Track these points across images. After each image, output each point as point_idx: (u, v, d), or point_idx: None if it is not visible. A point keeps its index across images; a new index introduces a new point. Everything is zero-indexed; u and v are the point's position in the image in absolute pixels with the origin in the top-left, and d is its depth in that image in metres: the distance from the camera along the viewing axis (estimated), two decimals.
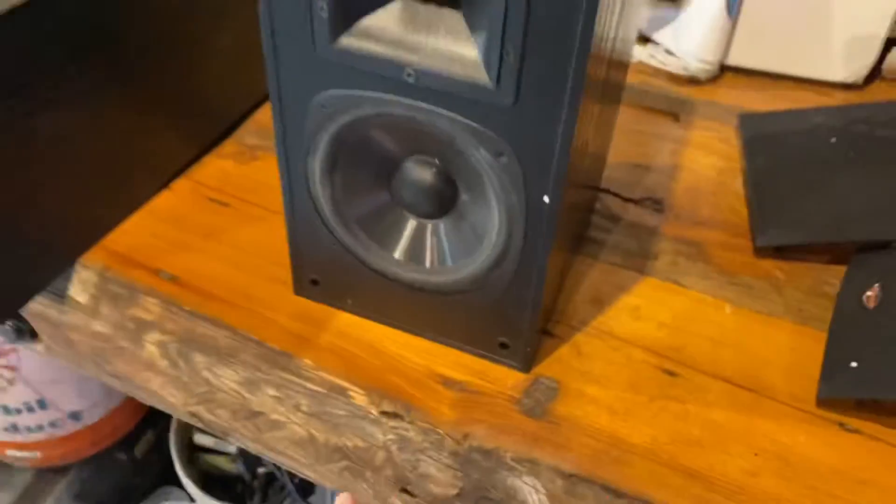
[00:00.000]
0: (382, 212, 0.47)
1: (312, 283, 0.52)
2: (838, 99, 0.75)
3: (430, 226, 0.46)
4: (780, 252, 0.59)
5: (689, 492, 0.44)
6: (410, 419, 0.48)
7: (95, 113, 0.51)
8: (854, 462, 0.46)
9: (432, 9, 0.38)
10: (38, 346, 0.60)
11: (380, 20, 0.38)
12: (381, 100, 0.40)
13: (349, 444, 0.49)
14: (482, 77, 0.37)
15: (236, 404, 0.52)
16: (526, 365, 0.50)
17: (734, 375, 0.51)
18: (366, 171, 0.46)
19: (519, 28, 0.35)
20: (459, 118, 0.39)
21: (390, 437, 0.48)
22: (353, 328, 0.52)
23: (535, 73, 0.36)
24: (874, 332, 0.48)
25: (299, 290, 0.53)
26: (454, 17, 0.38)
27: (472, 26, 0.37)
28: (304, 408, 0.50)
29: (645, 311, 0.54)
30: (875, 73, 0.76)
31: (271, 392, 0.51)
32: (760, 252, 0.59)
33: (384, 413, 0.48)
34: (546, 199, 0.40)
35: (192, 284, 0.54)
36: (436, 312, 0.49)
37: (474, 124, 0.39)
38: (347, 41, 0.39)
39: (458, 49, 0.37)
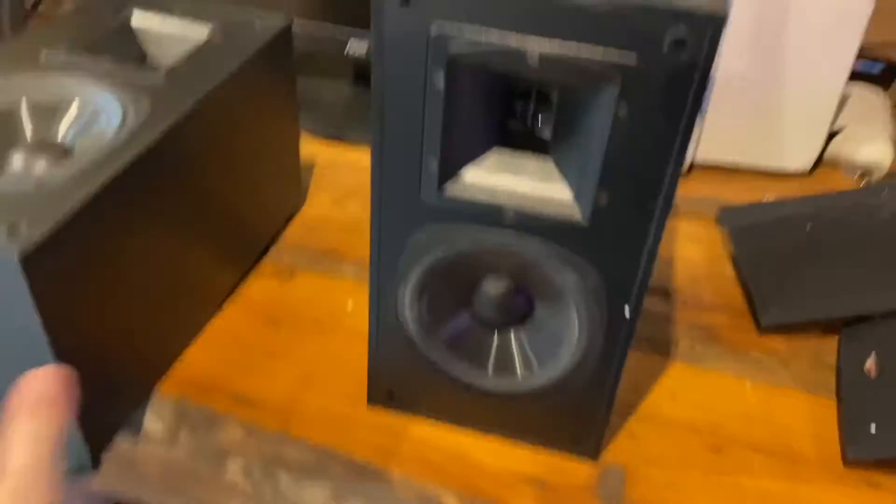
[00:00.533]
0: (463, 327, 0.52)
1: (389, 394, 0.56)
2: (793, 185, 0.86)
3: (507, 337, 0.52)
4: (780, 329, 0.67)
5: None
6: None
7: (161, 242, 0.54)
8: None
9: (525, 156, 0.45)
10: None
11: (479, 169, 0.44)
12: (477, 235, 0.46)
13: None
14: (576, 214, 0.43)
15: None
16: (596, 454, 0.55)
17: (769, 445, 0.58)
18: (449, 292, 0.51)
19: (611, 175, 0.41)
20: (550, 247, 0.45)
21: None
22: (431, 434, 0.56)
23: (624, 208, 0.42)
24: (886, 399, 0.56)
25: (374, 401, 0.57)
26: (545, 164, 0.44)
27: (563, 171, 0.44)
28: None
29: (680, 394, 0.61)
30: (818, 161, 0.88)
31: None
32: (763, 330, 0.67)
33: None
34: (626, 309, 0.46)
35: (268, 405, 0.57)
36: (511, 413, 0.54)
37: (564, 251, 0.45)
38: (451, 189, 0.45)
39: (551, 191, 0.44)
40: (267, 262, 0.70)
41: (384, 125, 0.43)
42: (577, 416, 0.53)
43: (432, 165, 0.44)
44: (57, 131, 0.52)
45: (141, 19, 0.63)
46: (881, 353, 0.60)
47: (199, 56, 0.58)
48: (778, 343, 0.66)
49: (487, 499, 0.53)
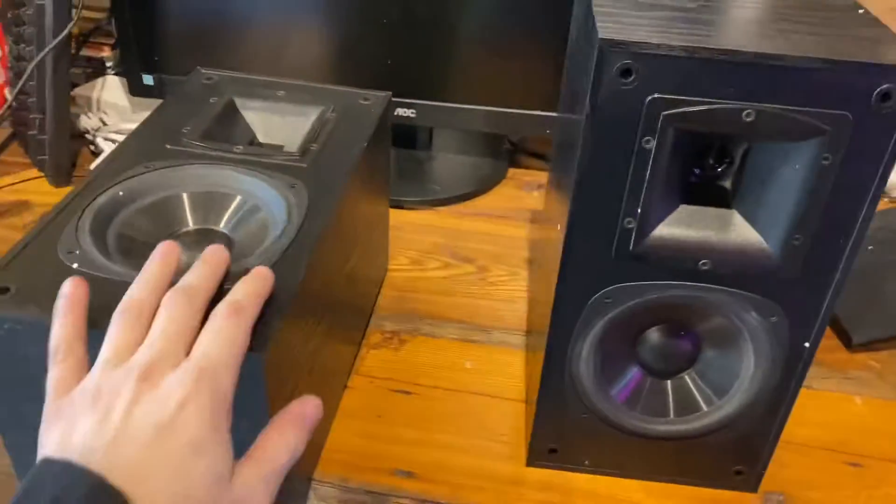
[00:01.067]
0: (635, 379, 0.54)
1: (550, 451, 0.57)
2: None
3: (682, 380, 0.54)
4: (866, 346, 0.72)
5: None
6: None
7: (319, 324, 0.54)
8: None
9: (709, 211, 0.47)
10: None
11: (670, 225, 0.47)
12: (666, 287, 0.48)
13: None
14: (769, 259, 0.46)
15: None
16: (756, 486, 0.57)
17: None
18: (619, 345, 0.52)
19: (807, 219, 0.44)
20: (740, 293, 0.48)
21: None
22: (597, 486, 0.57)
23: (816, 250, 0.45)
24: None
25: (534, 460, 0.58)
26: (730, 215, 0.47)
27: (751, 219, 0.46)
28: None
29: (804, 417, 0.64)
30: None
31: None
32: (855, 349, 0.71)
33: None
34: (807, 344, 0.49)
35: (428, 477, 0.57)
36: (675, 457, 0.56)
37: (753, 295, 0.48)
38: (645, 246, 0.47)
39: (743, 240, 0.46)
40: (372, 333, 0.70)
41: (585, 188, 0.45)
42: (745, 451, 0.55)
43: (630, 224, 0.46)
44: (219, 221, 0.52)
45: (244, 103, 0.63)
46: None
47: (324, 136, 0.59)
48: (869, 359, 0.71)
49: None
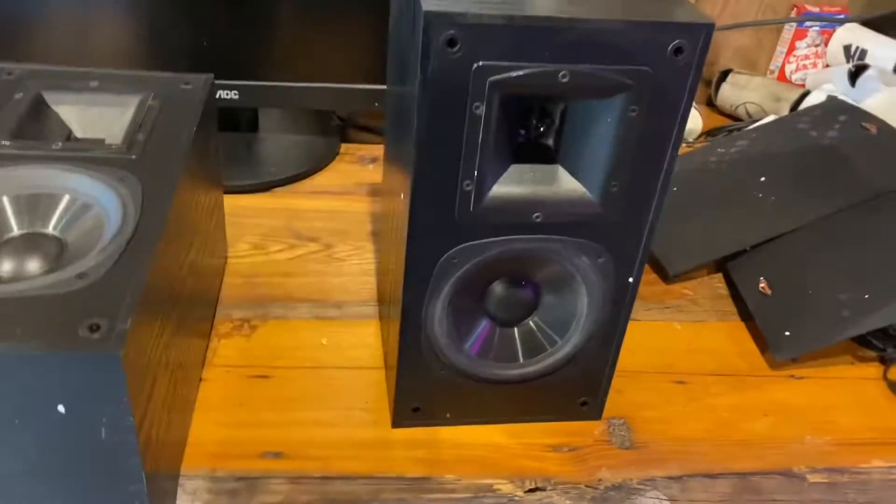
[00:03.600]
0: (482, 328, 0.57)
1: (414, 410, 0.60)
2: None
3: (527, 326, 0.58)
4: (677, 277, 0.80)
5: (747, 456, 0.62)
6: (552, 486, 0.58)
7: (171, 321, 0.53)
8: (814, 398, 0.67)
9: (537, 168, 0.51)
10: None
11: (504, 185, 0.50)
12: (506, 241, 0.51)
13: None
14: (593, 206, 0.51)
15: None
16: (600, 414, 0.63)
17: (714, 369, 0.70)
18: (467, 302, 0.56)
19: (620, 166, 0.49)
20: (571, 239, 0.52)
21: None
22: (462, 436, 0.60)
23: (631, 194, 0.50)
24: (786, 310, 0.71)
25: (399, 421, 0.60)
26: (555, 170, 0.51)
27: (574, 172, 0.51)
28: None
29: (632, 347, 0.71)
30: None
31: None
32: (671, 280, 0.80)
33: (528, 491, 0.58)
34: (631, 279, 0.55)
35: (298, 454, 0.58)
36: (527, 397, 0.60)
37: (581, 240, 0.52)
38: (483, 206, 0.50)
39: (569, 191, 0.51)
40: (220, 322, 0.69)
41: (423, 156, 0.47)
42: (585, 383, 0.60)
43: (469, 186, 0.48)
44: (47, 224, 0.49)
45: (54, 97, 0.59)
46: (767, 275, 0.75)
47: (148, 125, 0.57)
48: (683, 288, 0.79)
49: (531, 474, 0.58)
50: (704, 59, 0.46)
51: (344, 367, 0.66)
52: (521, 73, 0.44)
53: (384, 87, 0.85)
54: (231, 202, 0.82)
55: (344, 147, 0.97)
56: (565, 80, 0.45)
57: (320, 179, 0.91)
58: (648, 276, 0.80)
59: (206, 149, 0.63)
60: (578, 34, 0.44)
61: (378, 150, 0.97)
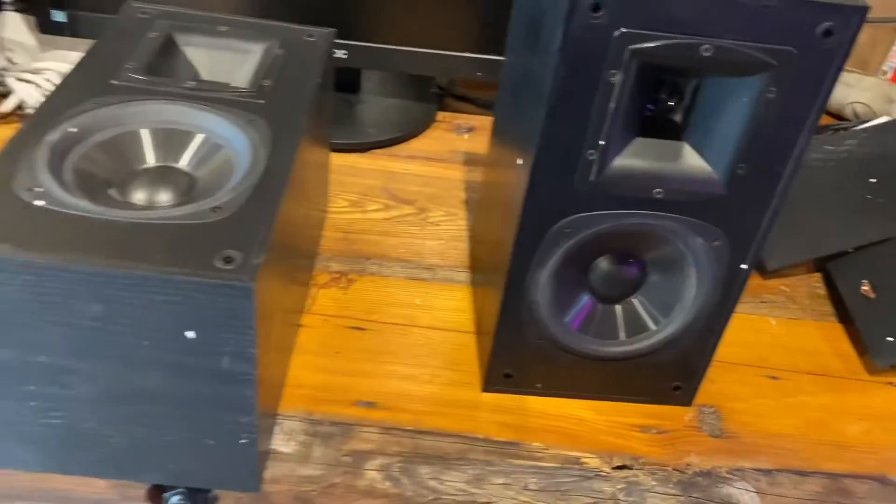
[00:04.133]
0: (584, 303, 0.57)
1: (506, 377, 0.60)
2: None
3: (630, 304, 0.57)
4: (776, 272, 0.78)
5: (840, 458, 0.60)
6: (640, 465, 0.58)
7: (288, 262, 0.54)
8: None
9: (662, 143, 0.50)
10: None
11: (627, 157, 0.50)
12: (621, 215, 0.51)
13: None
14: (716, 186, 0.50)
15: (462, 502, 0.58)
16: (690, 401, 0.62)
17: (809, 367, 0.68)
18: (572, 274, 0.55)
19: (750, 148, 0.48)
20: (688, 219, 0.51)
21: (619, 486, 0.58)
22: (550, 407, 0.61)
23: (758, 177, 0.49)
24: (889, 315, 0.68)
25: (490, 386, 0.61)
26: (681, 147, 0.50)
27: (700, 150, 0.50)
28: (532, 486, 0.58)
29: (730, 338, 0.69)
30: None
31: (500, 481, 0.58)
32: (768, 275, 0.78)
33: (616, 468, 0.58)
34: (744, 266, 0.54)
35: (390, 406, 0.59)
36: (619, 375, 0.60)
37: (699, 221, 0.51)
38: (606, 176, 0.49)
39: (693, 169, 0.50)
40: (320, 272, 0.71)
41: (551, 122, 0.47)
42: (683, 367, 0.60)
43: (592, 156, 0.48)
44: (179, 159, 0.51)
45: (184, 38, 0.61)
46: (871, 279, 0.73)
47: (275, 73, 0.58)
48: (780, 284, 0.78)
49: (619, 451, 0.58)
50: (853, 44, 0.44)
51: (436, 327, 0.67)
52: (663, 42, 0.44)
53: (489, 56, 0.86)
54: (333, 160, 0.84)
55: (440, 115, 0.97)
56: (707, 53, 0.44)
57: (416, 144, 0.91)
58: None
59: (324, 102, 0.64)
60: (725, 8, 0.43)
61: (474, 119, 0.97)
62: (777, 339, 0.71)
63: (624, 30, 0.43)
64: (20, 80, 0.81)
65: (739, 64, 0.45)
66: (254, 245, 0.42)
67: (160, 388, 0.44)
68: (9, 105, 0.81)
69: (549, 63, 0.46)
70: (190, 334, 0.42)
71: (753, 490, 0.58)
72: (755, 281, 0.78)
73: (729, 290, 0.55)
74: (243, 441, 0.47)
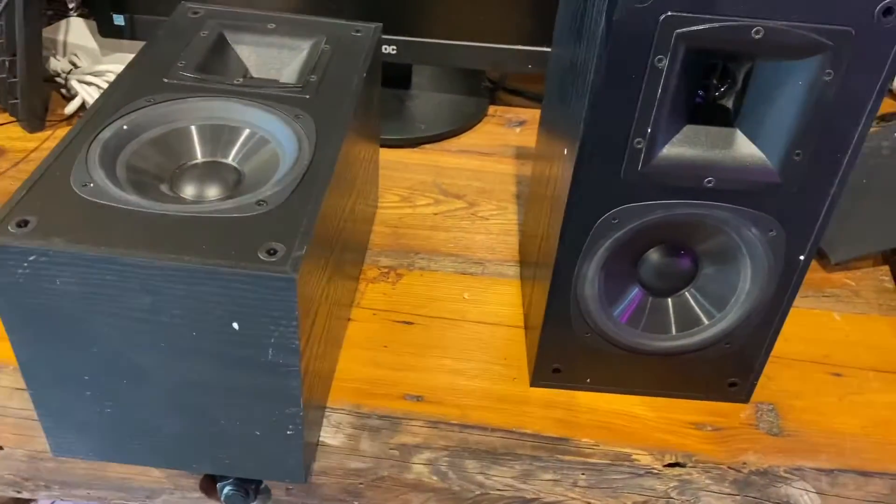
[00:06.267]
0: (633, 296, 0.56)
1: (554, 371, 0.59)
2: None
3: (682, 297, 0.56)
4: (840, 265, 0.75)
5: None
6: (693, 463, 0.56)
7: (335, 253, 0.54)
8: None
9: (713, 130, 0.49)
10: None
11: (676, 146, 0.48)
12: (671, 205, 0.50)
13: (628, 503, 0.57)
14: (771, 175, 0.48)
15: (508, 498, 0.57)
16: (748, 398, 0.60)
17: (875, 364, 0.65)
18: (621, 267, 0.54)
19: (807, 135, 0.46)
20: (742, 208, 0.50)
21: (672, 484, 0.56)
22: (600, 403, 0.60)
23: (815, 165, 0.47)
24: None
25: (538, 380, 0.60)
26: (734, 134, 0.49)
27: (753, 137, 0.48)
28: (581, 483, 0.57)
29: (790, 333, 0.67)
30: None
31: (548, 476, 0.57)
32: (832, 268, 0.75)
33: (668, 465, 0.56)
34: (802, 257, 0.52)
35: (439, 400, 0.59)
36: (672, 370, 0.59)
37: (753, 210, 0.50)
38: (654, 165, 0.48)
39: (746, 157, 0.48)
40: (369, 267, 0.71)
41: (596, 109, 0.46)
42: (739, 363, 0.58)
43: (640, 144, 0.47)
44: (227, 154, 0.52)
45: (234, 37, 0.62)
46: None
47: (321, 68, 0.58)
48: (845, 277, 0.74)
49: (672, 448, 0.57)
50: None
51: (484, 322, 0.66)
52: (710, 26, 0.42)
53: (539, 48, 0.85)
54: (382, 155, 0.84)
55: (492, 109, 0.97)
56: (758, 36, 0.43)
57: (467, 139, 0.91)
58: None
59: (371, 97, 0.64)
60: None
61: (526, 113, 0.96)
62: (841, 335, 0.68)
63: (670, 13, 0.42)
64: (82, 82, 0.84)
65: (792, 46, 0.43)
66: (297, 237, 0.42)
67: (208, 379, 0.45)
68: (72, 107, 0.84)
69: (594, 51, 0.45)
70: (235, 325, 0.42)
71: (814, 490, 0.56)
72: (818, 274, 0.75)
73: (786, 282, 0.53)
74: (289, 432, 0.48)
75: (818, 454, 0.57)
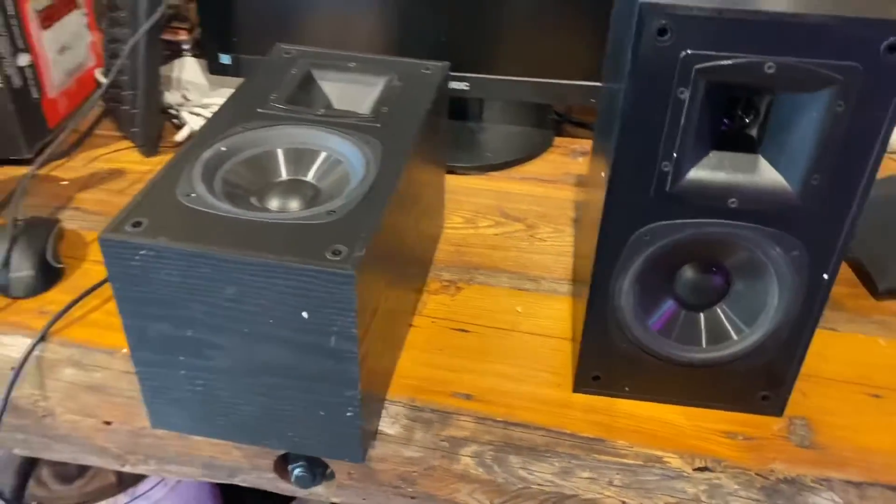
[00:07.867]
0: (667, 308, 0.60)
1: (594, 379, 0.64)
2: None
3: (714, 312, 0.60)
4: (891, 294, 0.77)
5: None
6: (722, 468, 0.60)
7: (398, 265, 0.61)
8: None
9: (737, 156, 0.53)
10: (323, 488, 0.67)
11: (702, 169, 0.53)
12: (699, 224, 0.54)
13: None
14: (791, 197, 0.52)
15: (548, 493, 0.62)
16: (781, 411, 0.63)
17: None
18: (656, 281, 0.59)
19: (823, 160, 0.50)
20: (764, 228, 0.54)
21: (702, 487, 0.60)
22: (637, 409, 0.64)
23: (832, 188, 0.51)
24: None
25: (579, 387, 0.65)
26: (755, 159, 0.53)
27: (775, 162, 0.53)
28: (616, 482, 0.61)
29: (828, 355, 0.70)
30: None
31: (586, 475, 0.61)
32: (880, 296, 0.77)
33: (697, 469, 0.60)
34: (825, 276, 0.55)
35: (485, 399, 0.65)
36: (707, 382, 0.62)
37: (775, 230, 0.54)
38: (681, 186, 0.53)
39: (767, 180, 0.53)
40: (432, 282, 0.78)
41: (628, 135, 0.52)
42: (770, 377, 0.61)
43: (667, 167, 0.52)
44: (307, 173, 0.60)
45: (320, 74, 0.71)
46: None
47: (392, 101, 0.66)
48: (894, 305, 0.76)
49: (702, 453, 0.61)
50: None
51: (535, 333, 0.72)
52: (726, 62, 0.48)
53: (600, 84, 0.90)
54: (452, 181, 0.92)
55: (557, 140, 1.03)
56: (771, 71, 0.48)
57: (531, 167, 0.97)
58: (856, 288, 0.78)
59: (437, 126, 0.72)
60: (786, 28, 0.46)
61: (589, 144, 1.02)
62: (884, 359, 0.70)
63: (690, 51, 0.48)
64: (192, 113, 0.95)
65: (804, 80, 0.48)
66: (358, 241, 0.50)
67: (281, 362, 0.53)
68: (182, 135, 0.96)
69: (624, 83, 0.51)
70: (305, 315, 0.50)
71: (841, 501, 0.58)
72: (867, 301, 0.77)
73: (812, 300, 0.57)
74: (349, 414, 0.55)
75: (847, 466, 0.60)
